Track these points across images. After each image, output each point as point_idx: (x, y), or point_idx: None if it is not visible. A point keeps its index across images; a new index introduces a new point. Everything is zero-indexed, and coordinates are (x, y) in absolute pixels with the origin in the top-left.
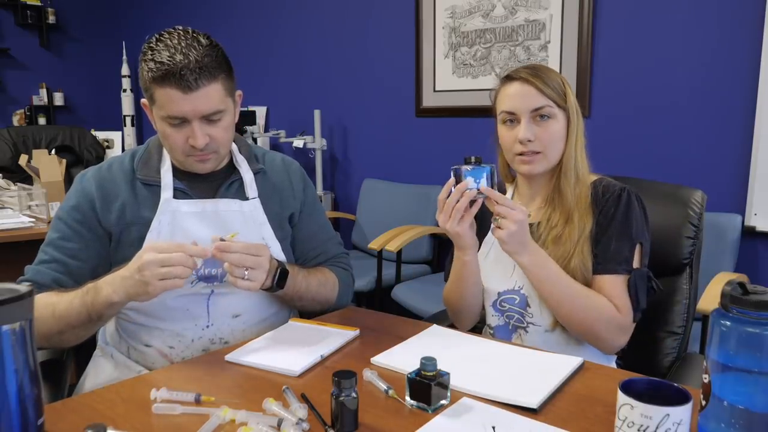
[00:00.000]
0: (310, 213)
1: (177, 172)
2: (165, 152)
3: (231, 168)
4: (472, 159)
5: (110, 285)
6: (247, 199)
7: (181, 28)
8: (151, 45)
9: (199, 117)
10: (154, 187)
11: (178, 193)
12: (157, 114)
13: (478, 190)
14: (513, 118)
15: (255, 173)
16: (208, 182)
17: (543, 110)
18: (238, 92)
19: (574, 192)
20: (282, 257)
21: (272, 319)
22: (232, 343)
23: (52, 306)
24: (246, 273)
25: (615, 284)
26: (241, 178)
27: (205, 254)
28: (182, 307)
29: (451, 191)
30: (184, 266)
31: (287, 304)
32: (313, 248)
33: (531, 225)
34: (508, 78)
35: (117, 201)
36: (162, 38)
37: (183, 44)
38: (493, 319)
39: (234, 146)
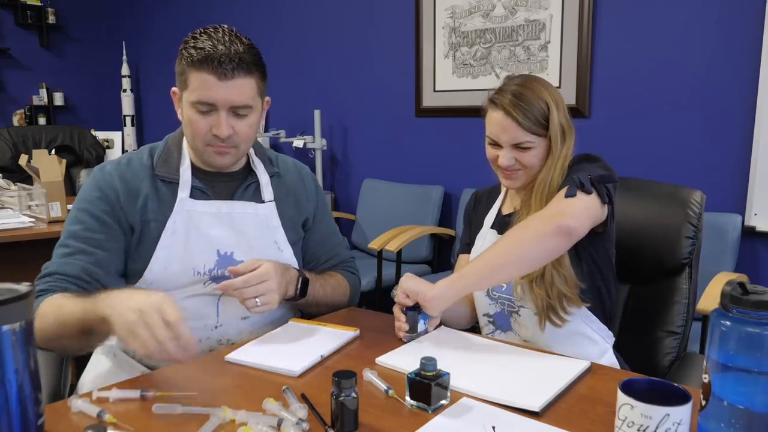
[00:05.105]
0: (322, 217)
1: (196, 171)
2: (185, 150)
3: (248, 170)
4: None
5: (110, 300)
6: (263, 201)
7: (226, 26)
8: (195, 35)
9: (228, 107)
10: (173, 185)
11: (197, 192)
12: (187, 99)
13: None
14: (495, 143)
15: (271, 176)
16: (225, 182)
17: (522, 144)
18: (267, 98)
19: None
20: (294, 261)
21: (279, 322)
22: (237, 345)
23: (58, 308)
24: (258, 301)
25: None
26: (257, 181)
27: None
28: (193, 307)
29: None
30: (161, 351)
31: (304, 309)
32: (325, 252)
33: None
34: (492, 102)
35: (140, 196)
36: (207, 31)
37: (227, 38)
38: (490, 307)
39: (251, 149)
